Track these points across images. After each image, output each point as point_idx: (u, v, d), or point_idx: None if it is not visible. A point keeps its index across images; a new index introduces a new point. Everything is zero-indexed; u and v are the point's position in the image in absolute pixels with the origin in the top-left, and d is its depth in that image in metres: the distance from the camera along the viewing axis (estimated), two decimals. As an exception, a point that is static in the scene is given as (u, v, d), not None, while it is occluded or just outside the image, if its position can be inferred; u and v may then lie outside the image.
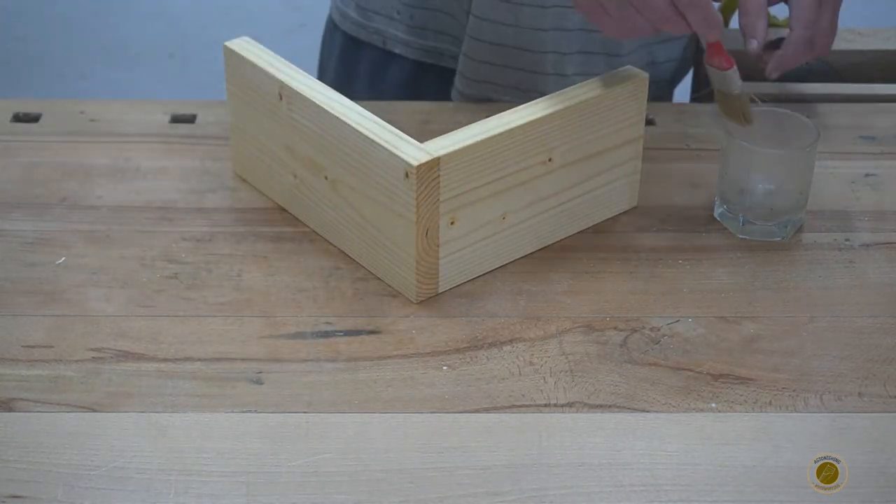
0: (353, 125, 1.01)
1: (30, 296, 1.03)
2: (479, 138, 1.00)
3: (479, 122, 1.02)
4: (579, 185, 1.09)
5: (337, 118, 1.02)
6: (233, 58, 1.12)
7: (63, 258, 1.07)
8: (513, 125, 1.01)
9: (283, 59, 1.10)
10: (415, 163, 0.97)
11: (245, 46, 1.12)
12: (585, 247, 1.10)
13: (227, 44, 1.13)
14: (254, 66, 1.09)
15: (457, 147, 0.99)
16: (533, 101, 1.05)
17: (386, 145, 0.99)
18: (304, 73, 1.08)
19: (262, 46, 1.12)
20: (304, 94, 1.05)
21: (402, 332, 1.01)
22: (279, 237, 1.11)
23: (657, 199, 1.16)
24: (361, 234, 1.06)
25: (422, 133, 1.07)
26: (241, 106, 1.14)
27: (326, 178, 1.06)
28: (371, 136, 1.00)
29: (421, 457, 0.89)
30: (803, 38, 1.11)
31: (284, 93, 1.07)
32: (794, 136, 1.11)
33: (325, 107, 1.03)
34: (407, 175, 0.98)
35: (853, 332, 1.01)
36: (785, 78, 1.42)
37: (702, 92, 1.42)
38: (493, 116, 1.03)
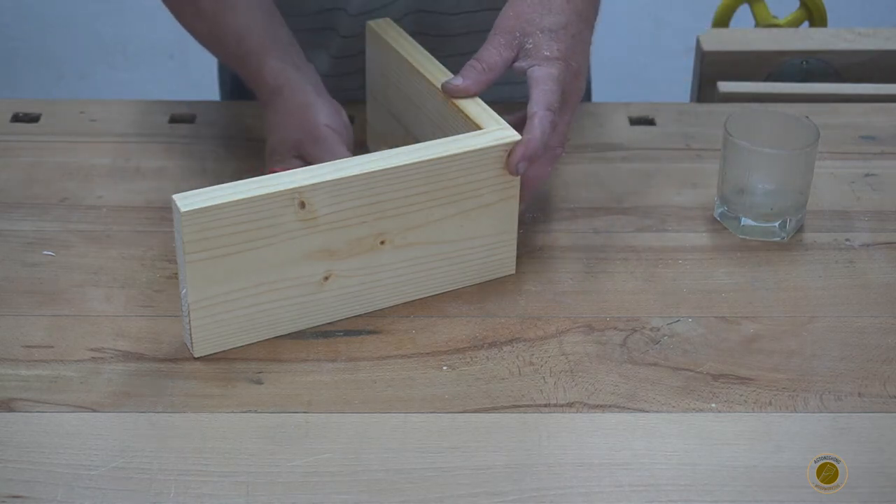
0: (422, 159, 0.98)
1: (30, 296, 1.03)
2: None
3: None
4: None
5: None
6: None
7: (51, 251, 1.07)
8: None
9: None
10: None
11: None
12: (585, 247, 1.10)
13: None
14: None
15: None
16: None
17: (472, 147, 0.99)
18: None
19: None
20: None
21: (402, 332, 1.00)
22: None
23: (657, 199, 1.16)
24: (440, 264, 1.03)
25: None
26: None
27: (383, 242, 1.00)
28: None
29: (421, 457, 0.89)
30: (549, 119, 1.01)
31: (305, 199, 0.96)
32: (794, 136, 1.11)
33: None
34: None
35: (853, 332, 1.01)
36: (785, 78, 1.42)
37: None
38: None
